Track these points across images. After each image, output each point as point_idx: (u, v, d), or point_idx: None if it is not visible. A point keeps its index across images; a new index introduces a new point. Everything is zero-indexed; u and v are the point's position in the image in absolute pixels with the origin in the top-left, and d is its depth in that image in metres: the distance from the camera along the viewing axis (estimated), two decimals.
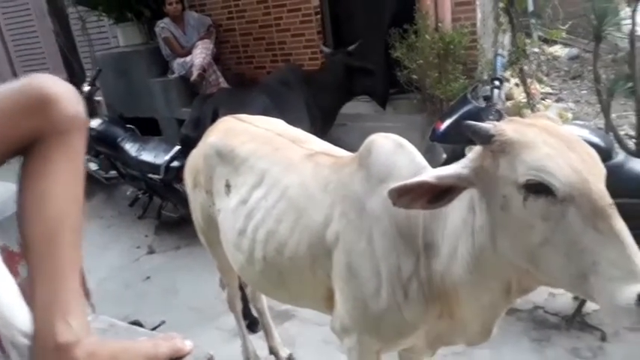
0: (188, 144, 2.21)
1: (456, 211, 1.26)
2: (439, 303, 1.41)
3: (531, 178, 1.04)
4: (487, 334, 1.41)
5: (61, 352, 0.70)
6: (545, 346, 2.68)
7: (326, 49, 4.47)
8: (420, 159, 1.49)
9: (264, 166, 1.84)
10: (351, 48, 4.23)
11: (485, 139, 1.11)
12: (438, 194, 1.15)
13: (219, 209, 1.98)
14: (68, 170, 0.76)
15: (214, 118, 2.25)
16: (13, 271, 0.82)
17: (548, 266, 1.07)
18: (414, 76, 4.21)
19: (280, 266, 1.72)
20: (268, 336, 2.76)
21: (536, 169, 1.04)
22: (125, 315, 3.25)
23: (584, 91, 6.90)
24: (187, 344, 0.80)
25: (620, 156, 2.42)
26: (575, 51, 8.22)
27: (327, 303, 1.66)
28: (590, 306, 2.80)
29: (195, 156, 2.15)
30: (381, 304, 1.45)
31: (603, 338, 2.66)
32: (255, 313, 2.84)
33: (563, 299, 2.98)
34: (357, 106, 5.11)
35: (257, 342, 2.81)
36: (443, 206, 1.17)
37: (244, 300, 2.72)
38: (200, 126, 2.22)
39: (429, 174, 1.15)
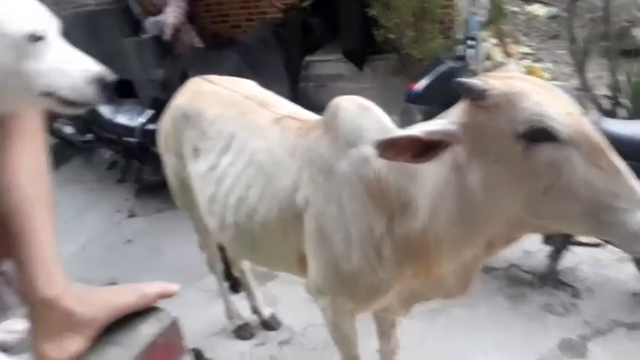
0: (158, 106, 2.17)
1: (433, 170, 1.25)
2: (415, 261, 1.41)
3: (533, 125, 1.03)
4: (466, 288, 1.42)
5: (52, 305, 0.75)
6: (520, 303, 2.74)
7: (279, 5, 4.40)
8: (386, 120, 1.48)
9: (231, 130, 1.82)
10: (305, 3, 4.30)
11: (479, 94, 1.09)
12: (422, 150, 1.14)
13: (190, 172, 1.97)
14: (29, 153, 0.85)
15: (183, 80, 2.20)
16: None
17: (552, 213, 1.07)
18: (391, 36, 4.15)
19: (252, 231, 1.73)
20: (250, 296, 2.78)
21: (537, 115, 1.03)
22: (111, 277, 3.26)
23: (563, 51, 6.86)
24: (174, 286, 0.83)
25: (593, 116, 2.44)
26: (554, 10, 8.16)
27: (301, 266, 1.67)
28: (563, 263, 2.87)
29: (165, 119, 2.12)
30: (354, 266, 1.46)
31: (575, 295, 2.73)
32: (237, 274, 2.85)
33: (537, 257, 3.04)
34: (337, 67, 5.08)
35: (241, 302, 2.84)
36: (427, 161, 1.16)
37: (225, 261, 2.73)
38: (168, 87, 2.17)
39: (418, 129, 1.14)
